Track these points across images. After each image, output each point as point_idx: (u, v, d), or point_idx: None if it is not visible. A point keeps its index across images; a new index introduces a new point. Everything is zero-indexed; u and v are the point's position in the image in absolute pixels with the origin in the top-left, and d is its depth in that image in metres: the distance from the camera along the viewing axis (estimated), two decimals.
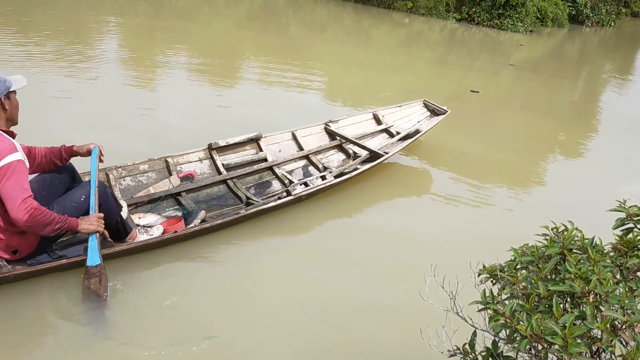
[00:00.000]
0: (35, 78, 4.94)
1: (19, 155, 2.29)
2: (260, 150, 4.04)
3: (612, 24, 20.38)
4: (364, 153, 4.32)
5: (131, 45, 7.39)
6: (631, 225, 1.47)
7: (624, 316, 1.18)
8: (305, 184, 3.67)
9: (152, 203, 3.26)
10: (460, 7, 14.00)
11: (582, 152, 5.93)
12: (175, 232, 2.88)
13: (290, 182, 3.80)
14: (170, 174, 3.49)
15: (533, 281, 1.35)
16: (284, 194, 3.51)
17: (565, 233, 1.46)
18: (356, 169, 3.95)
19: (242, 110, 5.26)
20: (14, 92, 2.43)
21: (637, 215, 1.47)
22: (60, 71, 5.44)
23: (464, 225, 3.67)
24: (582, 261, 1.33)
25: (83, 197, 2.55)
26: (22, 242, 2.44)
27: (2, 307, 2.32)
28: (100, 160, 2.69)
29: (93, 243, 2.47)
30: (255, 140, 4.04)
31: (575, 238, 1.44)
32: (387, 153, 4.22)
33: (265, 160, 4.00)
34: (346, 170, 3.91)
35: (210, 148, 3.77)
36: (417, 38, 12.20)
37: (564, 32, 16.75)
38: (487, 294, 1.35)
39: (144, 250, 2.76)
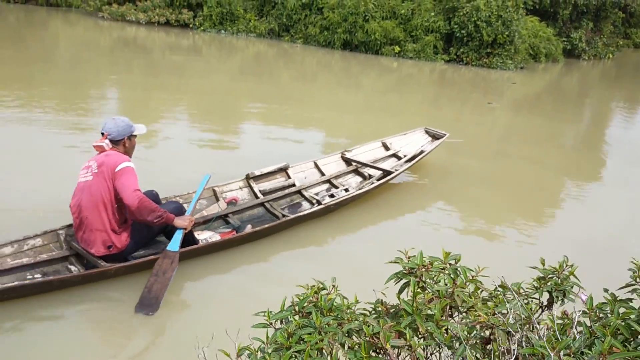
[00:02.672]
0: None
1: (132, 164, 3.40)
2: (289, 177, 5.12)
3: (610, 56, 21.25)
4: (377, 173, 5.34)
5: (129, 99, 8.26)
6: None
7: None
8: (332, 196, 4.87)
9: (206, 223, 4.23)
10: (448, 49, 14.98)
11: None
12: (234, 236, 3.93)
13: (318, 202, 4.72)
14: (218, 200, 4.51)
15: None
16: (316, 204, 4.60)
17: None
18: (372, 183, 5.03)
19: (245, 152, 6.35)
20: (135, 136, 3.58)
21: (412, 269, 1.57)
22: (67, 125, 6.31)
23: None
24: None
25: (174, 206, 3.68)
26: (116, 239, 3.39)
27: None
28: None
29: (178, 235, 3.49)
30: (284, 170, 5.12)
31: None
32: (396, 170, 5.25)
33: (294, 185, 5.04)
34: (364, 187, 4.92)
35: (247, 177, 4.84)
36: (408, 81, 13.08)
37: (560, 67, 17.60)
38: None
39: (211, 251, 3.81)
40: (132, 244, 3.50)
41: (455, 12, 14.74)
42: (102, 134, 3.48)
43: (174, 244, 3.45)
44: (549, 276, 1.68)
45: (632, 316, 1.42)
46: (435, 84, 13.17)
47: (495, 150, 7.71)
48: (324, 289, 1.58)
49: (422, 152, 5.85)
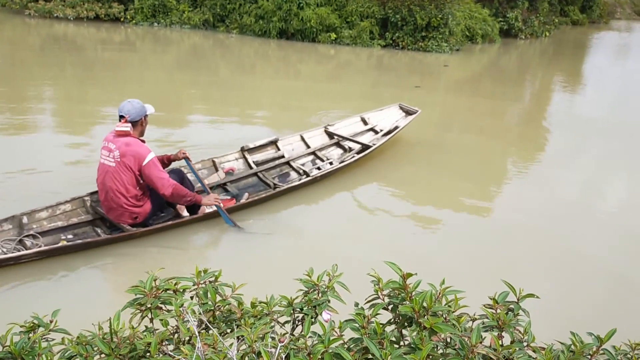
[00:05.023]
0: None
1: (153, 153, 4.19)
2: (279, 149, 6.09)
3: (547, 34, 22.72)
4: (357, 147, 6.28)
5: (65, 98, 8.74)
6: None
7: None
8: (318, 169, 5.83)
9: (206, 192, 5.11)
10: (384, 34, 15.86)
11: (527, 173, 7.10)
12: (235, 202, 4.83)
13: (304, 172, 5.65)
14: (217, 170, 5.48)
15: None
16: (305, 176, 5.51)
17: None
18: (353, 157, 5.97)
19: (197, 139, 6.98)
20: (147, 115, 4.33)
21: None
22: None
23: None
24: None
25: (177, 175, 4.59)
26: (141, 210, 4.24)
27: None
28: (189, 159, 4.67)
29: (221, 212, 4.51)
30: (274, 143, 6.10)
31: None
32: (374, 144, 6.20)
33: (283, 157, 5.99)
34: (346, 159, 5.90)
35: (242, 150, 5.80)
36: (347, 67, 13.89)
37: (497, 47, 18.81)
38: None
39: (215, 216, 4.67)
40: (152, 212, 4.36)
41: None
42: (121, 117, 4.16)
43: (226, 219, 4.54)
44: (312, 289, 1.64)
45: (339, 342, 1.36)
46: (373, 69, 14.04)
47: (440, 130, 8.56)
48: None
49: (396, 127, 6.84)
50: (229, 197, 5.06)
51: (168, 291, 1.50)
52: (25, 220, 4.14)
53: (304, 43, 15.58)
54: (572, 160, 7.44)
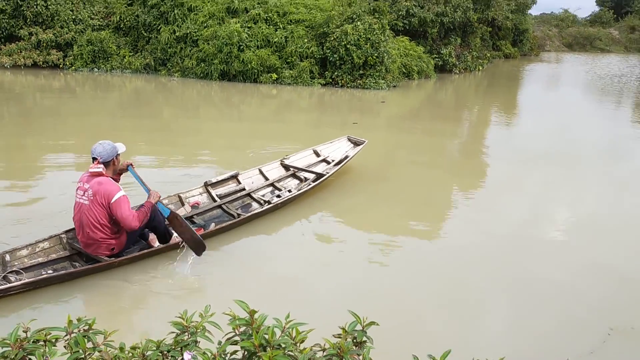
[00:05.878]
0: None
1: (123, 192, 4.48)
2: (239, 183, 6.50)
3: (480, 68, 23.95)
4: (311, 176, 6.78)
5: (3, 149, 8.65)
6: None
7: None
8: (279, 196, 6.25)
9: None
10: (323, 73, 16.46)
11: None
12: (204, 231, 5.14)
13: (265, 201, 6.07)
14: (183, 204, 5.82)
15: None
16: (265, 204, 5.91)
17: None
18: (309, 184, 6.48)
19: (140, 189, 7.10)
20: (119, 154, 4.65)
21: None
22: None
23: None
24: None
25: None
26: (117, 242, 4.55)
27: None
28: (132, 166, 4.92)
29: (160, 206, 4.76)
30: (235, 177, 6.51)
31: None
32: (328, 173, 6.80)
33: (244, 189, 6.39)
34: (303, 187, 6.41)
35: (205, 185, 6.18)
36: (289, 106, 14.31)
37: (433, 82, 19.71)
38: None
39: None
40: (128, 243, 4.70)
41: (327, 38, 16.35)
42: (94, 159, 4.51)
43: (164, 210, 4.78)
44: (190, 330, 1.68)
45: None
46: (315, 108, 14.53)
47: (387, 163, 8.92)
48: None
49: (346, 156, 7.39)
50: (196, 228, 5.41)
51: (39, 342, 1.54)
52: (7, 258, 4.43)
53: (246, 84, 15.98)
54: (512, 187, 7.91)
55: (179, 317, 1.78)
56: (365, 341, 1.62)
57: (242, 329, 1.65)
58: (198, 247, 4.66)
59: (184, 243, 4.71)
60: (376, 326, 1.71)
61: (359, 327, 1.63)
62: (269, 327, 1.54)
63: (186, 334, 1.70)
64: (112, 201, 4.39)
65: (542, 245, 5.68)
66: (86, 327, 1.61)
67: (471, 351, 3.08)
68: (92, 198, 4.40)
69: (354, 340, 1.59)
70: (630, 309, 4.44)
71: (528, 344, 3.89)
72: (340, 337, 1.59)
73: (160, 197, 4.84)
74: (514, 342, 3.92)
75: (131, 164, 4.94)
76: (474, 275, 4.91)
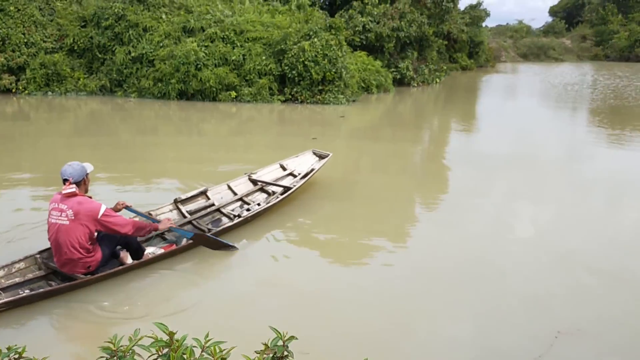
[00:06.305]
0: None
1: (105, 205, 4.60)
2: (209, 198, 6.56)
3: (438, 81, 24.46)
4: (279, 190, 6.83)
5: None
6: None
7: None
8: (248, 210, 6.35)
9: (147, 241, 5.51)
10: (283, 89, 16.54)
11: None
12: (176, 247, 5.28)
13: (235, 215, 6.13)
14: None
15: None
16: (235, 218, 5.97)
17: None
18: (277, 197, 6.57)
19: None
20: (88, 173, 4.70)
21: None
22: None
23: None
24: None
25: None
26: (93, 260, 4.60)
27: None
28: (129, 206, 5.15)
29: (180, 231, 5.19)
30: (204, 193, 6.57)
31: None
32: (294, 186, 6.85)
33: (213, 205, 6.46)
34: (272, 201, 6.48)
35: (175, 201, 6.23)
36: (249, 123, 14.30)
37: (392, 96, 20.01)
38: None
39: (157, 260, 5.07)
40: (103, 260, 4.76)
41: (285, 55, 16.43)
42: (65, 180, 4.53)
43: (186, 234, 5.19)
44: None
45: None
46: (275, 124, 14.57)
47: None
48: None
49: (312, 169, 7.54)
50: (168, 244, 5.52)
51: None
52: None
53: (205, 102, 15.94)
54: (477, 192, 8.06)
55: (109, 342, 1.77)
56: (286, 355, 1.63)
57: (165, 350, 1.64)
58: (228, 248, 5.26)
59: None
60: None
61: (280, 343, 1.65)
62: (187, 347, 1.54)
63: (115, 358, 1.69)
64: (99, 217, 4.50)
65: (497, 248, 5.85)
66: (16, 356, 1.58)
67: None
68: (72, 218, 4.46)
69: (274, 355, 1.60)
70: (576, 310, 4.57)
71: (475, 353, 3.95)
72: (259, 353, 1.60)
73: (173, 224, 5.15)
74: (463, 353, 3.98)
75: (126, 205, 5.12)
76: (429, 287, 4.97)
